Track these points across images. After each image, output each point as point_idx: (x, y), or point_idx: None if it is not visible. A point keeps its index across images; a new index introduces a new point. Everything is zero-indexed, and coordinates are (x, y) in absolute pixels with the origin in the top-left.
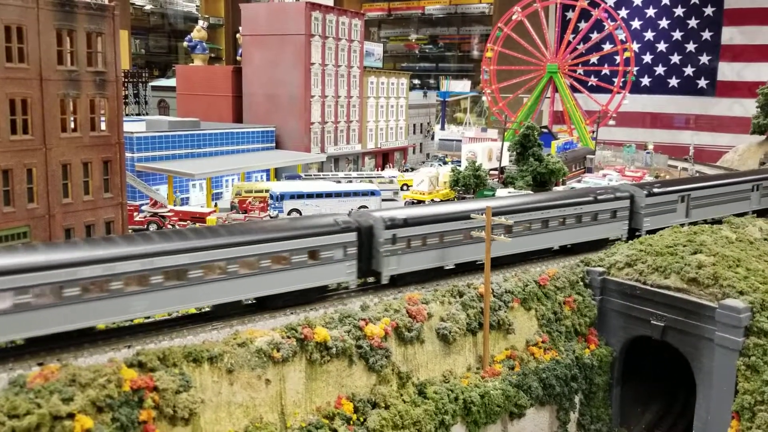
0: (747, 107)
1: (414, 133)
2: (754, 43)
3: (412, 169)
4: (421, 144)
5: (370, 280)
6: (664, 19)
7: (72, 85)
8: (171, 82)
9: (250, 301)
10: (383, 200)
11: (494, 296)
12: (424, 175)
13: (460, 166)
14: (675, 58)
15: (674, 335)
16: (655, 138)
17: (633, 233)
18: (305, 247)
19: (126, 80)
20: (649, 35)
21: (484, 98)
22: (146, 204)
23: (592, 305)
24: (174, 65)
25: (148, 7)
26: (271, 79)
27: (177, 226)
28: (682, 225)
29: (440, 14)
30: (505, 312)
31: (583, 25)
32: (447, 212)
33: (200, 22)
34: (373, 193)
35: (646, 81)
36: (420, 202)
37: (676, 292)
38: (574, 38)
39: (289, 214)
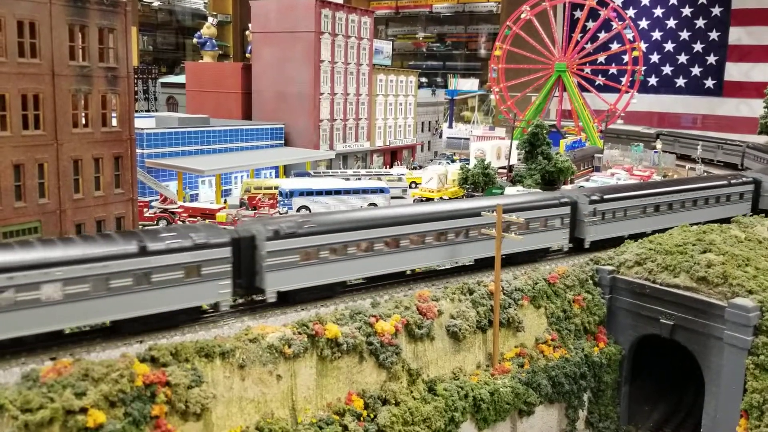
0: (754, 107)
1: (422, 131)
2: (761, 44)
3: (420, 167)
4: (429, 142)
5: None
6: (671, 18)
7: (84, 80)
8: (180, 78)
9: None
10: (392, 198)
11: (504, 294)
12: (432, 172)
13: (468, 164)
14: (682, 58)
15: (683, 334)
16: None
17: (580, 243)
18: (165, 264)
19: (135, 76)
20: (656, 35)
21: (491, 96)
22: (156, 200)
23: (601, 303)
24: (182, 62)
25: (156, 3)
26: (280, 76)
27: (187, 222)
28: (642, 235)
29: (448, 12)
30: (515, 310)
31: (591, 25)
32: (344, 221)
33: (210, 19)
34: (381, 190)
35: (653, 81)
36: (429, 199)
37: (686, 290)
38: (582, 37)
39: (298, 210)
